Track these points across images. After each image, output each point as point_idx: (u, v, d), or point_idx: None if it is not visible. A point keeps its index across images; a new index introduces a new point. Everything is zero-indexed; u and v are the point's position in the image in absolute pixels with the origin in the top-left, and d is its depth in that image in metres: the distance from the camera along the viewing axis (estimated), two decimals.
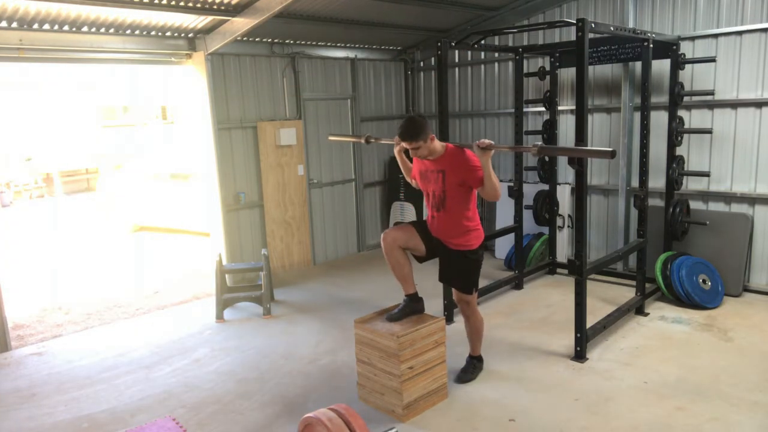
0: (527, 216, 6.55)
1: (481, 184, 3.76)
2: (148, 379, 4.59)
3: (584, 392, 4.06)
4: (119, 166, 14.16)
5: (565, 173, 6.97)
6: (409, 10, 6.77)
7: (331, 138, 5.49)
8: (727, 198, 5.92)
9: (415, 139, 3.74)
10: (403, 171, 4.33)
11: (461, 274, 4.08)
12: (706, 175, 5.94)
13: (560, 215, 6.94)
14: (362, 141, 4.62)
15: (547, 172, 6.69)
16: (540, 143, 3.75)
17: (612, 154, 3.43)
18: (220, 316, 5.81)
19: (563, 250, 7.00)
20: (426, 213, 4.18)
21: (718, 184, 5.95)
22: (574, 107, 6.35)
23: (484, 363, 4.43)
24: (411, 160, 4.17)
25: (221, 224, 6.61)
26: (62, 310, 6.38)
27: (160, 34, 5.98)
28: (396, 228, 4.07)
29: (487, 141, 3.64)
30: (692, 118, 6.01)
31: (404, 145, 3.84)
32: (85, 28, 5.43)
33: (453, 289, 4.17)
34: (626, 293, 5.83)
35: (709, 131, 5.87)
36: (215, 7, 5.55)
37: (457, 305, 4.28)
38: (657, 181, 6.06)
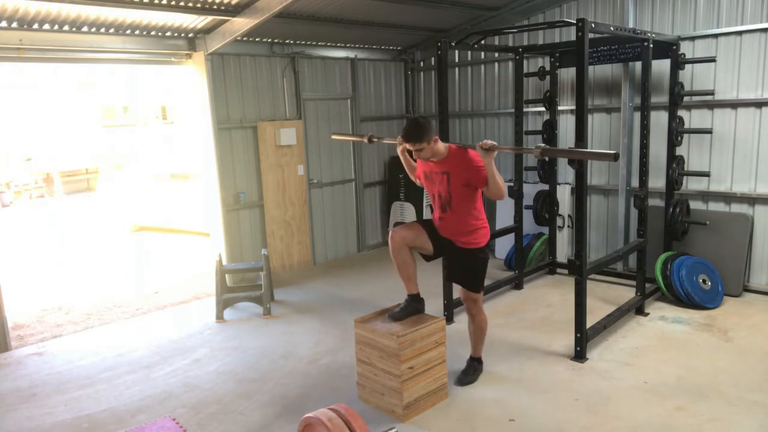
0: (527, 216, 6.55)
1: (485, 184, 3.78)
2: (148, 379, 4.59)
3: (584, 392, 4.06)
4: (119, 166, 14.19)
5: (565, 173, 6.98)
6: (409, 10, 6.77)
7: (334, 137, 5.49)
8: (727, 198, 5.92)
9: (419, 141, 3.74)
10: (407, 170, 4.34)
11: (470, 272, 4.09)
12: (706, 175, 5.94)
13: (560, 215, 6.94)
14: (365, 140, 4.61)
15: (547, 172, 6.69)
16: (543, 145, 3.73)
17: (615, 157, 3.43)
18: (220, 316, 5.81)
19: (563, 250, 7.00)
20: (426, 213, 4.18)
21: (718, 184, 5.95)
22: (574, 107, 6.35)
23: (485, 363, 4.43)
24: (414, 159, 4.17)
25: (221, 224, 6.61)
26: (62, 310, 6.38)
27: (160, 34, 5.99)
28: (404, 227, 4.06)
29: (489, 142, 3.65)
30: (692, 118, 6.01)
31: (408, 146, 3.84)
32: (85, 28, 5.43)
33: (461, 288, 4.17)
34: (626, 293, 5.83)
35: (709, 131, 5.87)
36: (215, 7, 5.56)
37: (463, 304, 4.25)
38: (657, 181, 6.06)
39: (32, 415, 4.09)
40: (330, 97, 7.73)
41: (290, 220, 7.32)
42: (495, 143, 3.65)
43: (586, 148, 4.40)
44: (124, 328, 5.75)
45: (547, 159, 6.62)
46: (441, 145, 3.86)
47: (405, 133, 3.79)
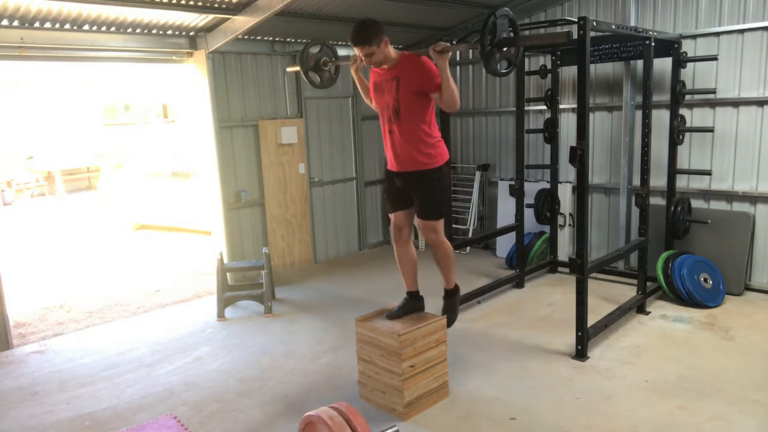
0: (528, 214, 6.55)
1: (438, 89, 3.54)
2: (149, 377, 4.59)
3: (585, 391, 4.06)
4: (120, 164, 14.19)
5: (567, 172, 6.97)
6: (411, 9, 6.76)
7: (289, 69, 5.31)
8: (729, 196, 5.91)
9: (368, 43, 3.53)
10: (360, 91, 4.17)
11: (424, 197, 3.78)
12: (708, 173, 5.94)
13: (561, 214, 6.94)
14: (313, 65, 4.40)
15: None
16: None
17: (567, 35, 3.21)
18: (221, 315, 5.81)
19: (564, 249, 7.00)
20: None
21: (720, 183, 5.94)
22: (575, 106, 6.35)
23: (485, 362, 4.42)
24: (369, 79, 4.00)
25: (222, 223, 6.62)
26: (64, 309, 6.39)
27: (161, 32, 5.98)
28: (395, 235, 4.07)
29: (443, 43, 3.46)
30: (694, 117, 6.01)
31: (358, 51, 3.65)
32: (86, 27, 5.44)
33: (417, 219, 3.86)
34: (627, 292, 5.83)
35: (710, 130, 5.86)
36: (216, 5, 5.55)
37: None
38: (658, 179, 6.05)
39: (34, 413, 4.10)
40: (331, 96, 7.72)
41: (291, 219, 7.33)
42: (447, 44, 3.45)
43: (588, 146, 4.39)
44: (126, 327, 5.76)
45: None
46: (392, 50, 3.66)
47: (353, 35, 3.56)
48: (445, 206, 3.94)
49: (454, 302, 4.27)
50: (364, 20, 3.62)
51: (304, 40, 7.25)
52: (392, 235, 4.10)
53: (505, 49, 3.45)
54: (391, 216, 4.07)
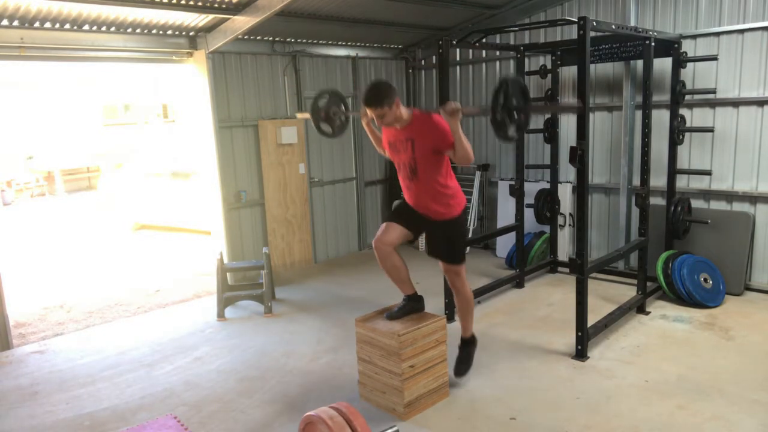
0: (528, 214, 6.55)
1: (451, 147, 3.61)
2: (149, 377, 4.59)
3: (585, 391, 4.06)
4: (120, 164, 14.19)
5: (567, 172, 6.97)
6: (411, 9, 6.76)
7: (299, 115, 5.37)
8: (729, 196, 5.91)
9: (380, 104, 3.58)
10: (373, 142, 4.24)
11: (447, 244, 3.95)
12: (708, 173, 5.94)
13: (561, 214, 6.94)
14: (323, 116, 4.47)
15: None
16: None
17: (580, 108, 3.29)
18: (221, 315, 5.81)
19: (564, 249, 7.00)
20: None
21: (720, 183, 5.94)
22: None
23: (485, 362, 4.42)
24: (380, 130, 4.04)
25: (222, 223, 6.62)
26: (64, 309, 6.39)
27: (161, 32, 5.99)
28: (382, 232, 3.91)
29: (453, 104, 3.50)
30: (694, 117, 6.00)
31: (369, 112, 3.69)
32: (86, 27, 5.44)
33: (440, 261, 4.01)
34: (627, 292, 5.83)
35: (710, 130, 5.86)
36: (216, 5, 5.55)
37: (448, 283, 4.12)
38: (658, 179, 6.05)
39: (34, 413, 4.10)
40: None
41: (291, 219, 7.33)
42: (459, 105, 3.50)
43: (588, 146, 4.39)
44: (126, 327, 5.76)
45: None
46: (404, 110, 3.72)
47: (365, 98, 3.62)
48: (464, 250, 4.06)
49: (469, 354, 4.23)
50: (376, 82, 3.74)
51: (304, 40, 7.26)
52: (377, 240, 3.89)
53: (515, 116, 3.49)
54: (389, 225, 3.93)
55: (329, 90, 4.59)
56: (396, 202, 4.13)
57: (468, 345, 4.26)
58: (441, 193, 3.83)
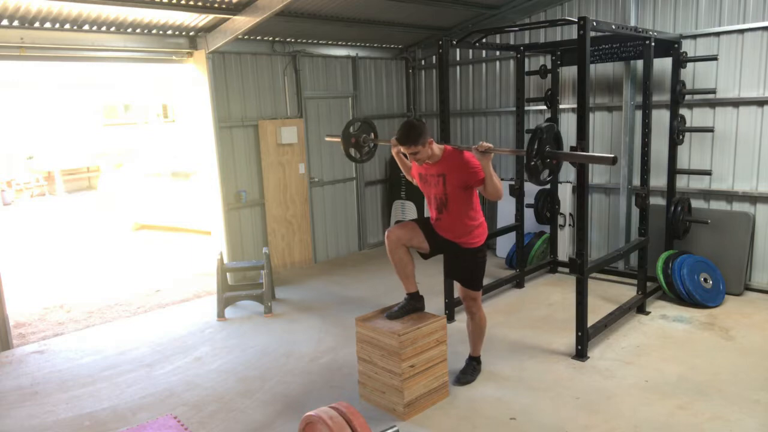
0: (528, 214, 6.55)
1: (482, 183, 3.75)
2: (149, 377, 4.59)
3: (585, 391, 4.06)
4: (120, 164, 14.20)
5: (567, 172, 6.97)
6: (410, 9, 6.76)
7: (328, 138, 5.48)
8: (729, 196, 5.91)
9: (414, 143, 3.70)
10: (402, 170, 4.34)
11: (469, 271, 4.08)
12: (708, 173, 5.94)
13: (561, 214, 6.94)
14: (354, 141, 4.57)
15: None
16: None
17: (613, 161, 3.42)
18: (221, 315, 5.81)
19: (564, 249, 7.00)
20: (427, 212, 4.15)
21: (720, 183, 5.94)
22: (575, 106, 6.34)
23: (485, 362, 4.43)
24: (409, 159, 4.15)
25: (222, 223, 6.62)
26: (64, 309, 6.39)
27: (161, 32, 5.99)
28: (400, 226, 4.04)
29: (486, 144, 3.62)
30: (694, 117, 6.00)
31: (402, 149, 3.81)
32: (86, 27, 5.44)
33: (460, 286, 4.17)
34: (627, 292, 5.83)
35: (710, 130, 5.86)
36: (216, 5, 5.55)
37: (462, 303, 4.24)
38: (658, 179, 6.05)
39: (34, 413, 4.10)
40: (331, 96, 7.72)
41: (291, 219, 7.33)
42: (491, 145, 3.62)
43: (588, 146, 4.39)
44: (126, 327, 5.76)
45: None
46: (436, 147, 3.83)
47: (399, 136, 3.75)
48: (482, 278, 4.16)
49: (474, 368, 4.34)
50: (410, 122, 3.80)
51: (304, 40, 7.27)
52: (391, 232, 3.95)
53: (548, 161, 3.65)
54: (411, 225, 4.02)
55: (362, 118, 4.64)
56: (419, 217, 4.23)
57: (473, 361, 4.37)
58: (469, 225, 3.96)
